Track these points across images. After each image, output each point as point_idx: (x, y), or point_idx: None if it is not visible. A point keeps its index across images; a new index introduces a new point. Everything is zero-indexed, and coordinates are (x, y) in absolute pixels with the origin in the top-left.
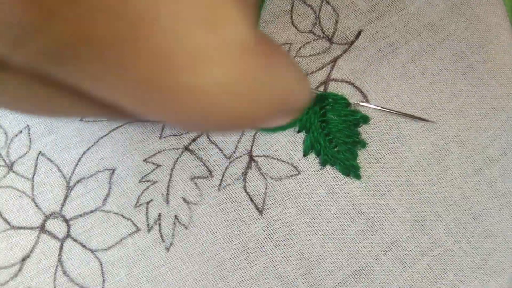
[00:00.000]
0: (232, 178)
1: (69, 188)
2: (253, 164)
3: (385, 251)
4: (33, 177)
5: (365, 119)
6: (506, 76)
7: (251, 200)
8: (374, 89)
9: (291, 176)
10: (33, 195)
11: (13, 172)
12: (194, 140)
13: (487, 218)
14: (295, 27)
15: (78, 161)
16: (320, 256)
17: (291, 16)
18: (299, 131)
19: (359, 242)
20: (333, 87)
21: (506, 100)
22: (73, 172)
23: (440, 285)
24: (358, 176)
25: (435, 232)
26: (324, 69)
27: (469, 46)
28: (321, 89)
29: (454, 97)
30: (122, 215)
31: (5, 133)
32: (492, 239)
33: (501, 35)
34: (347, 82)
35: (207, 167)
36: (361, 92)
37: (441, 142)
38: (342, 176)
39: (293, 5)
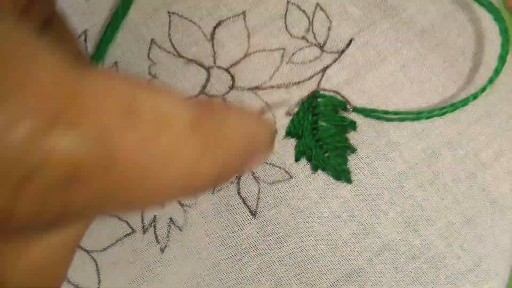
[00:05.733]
0: None
1: None
2: None
3: (377, 254)
4: None
5: (353, 125)
6: (500, 81)
7: (245, 203)
8: (361, 99)
9: (284, 181)
10: None
11: None
12: None
13: (480, 222)
14: (289, 32)
15: None
16: (313, 258)
17: (285, 21)
18: (286, 135)
19: (351, 244)
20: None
21: (499, 105)
22: None
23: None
24: (349, 180)
25: (427, 235)
26: (314, 78)
27: (461, 52)
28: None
29: (444, 104)
30: (117, 217)
31: None
32: (485, 243)
33: (496, 40)
34: (334, 92)
35: None
36: (347, 102)
37: (432, 147)
38: (333, 180)
39: (287, 9)
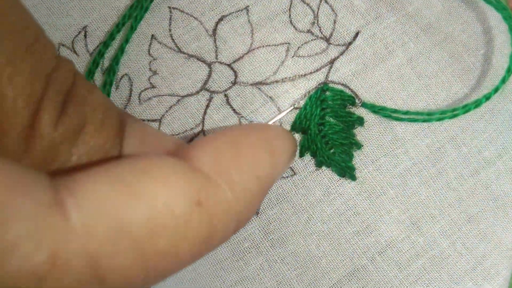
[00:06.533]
0: None
1: None
2: None
3: (380, 252)
4: None
5: (361, 121)
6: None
7: None
8: (369, 92)
9: (287, 177)
10: None
11: None
12: (190, 140)
13: (482, 220)
14: (294, 26)
15: None
16: (315, 257)
17: (290, 15)
18: (291, 129)
19: (354, 243)
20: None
21: (502, 102)
22: None
23: (434, 286)
24: (353, 177)
25: (430, 234)
26: (322, 70)
27: (465, 48)
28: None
29: (449, 100)
30: None
31: None
32: (487, 241)
33: (498, 37)
34: (342, 85)
35: None
36: (356, 95)
37: (437, 144)
38: (337, 177)
39: (291, 3)
